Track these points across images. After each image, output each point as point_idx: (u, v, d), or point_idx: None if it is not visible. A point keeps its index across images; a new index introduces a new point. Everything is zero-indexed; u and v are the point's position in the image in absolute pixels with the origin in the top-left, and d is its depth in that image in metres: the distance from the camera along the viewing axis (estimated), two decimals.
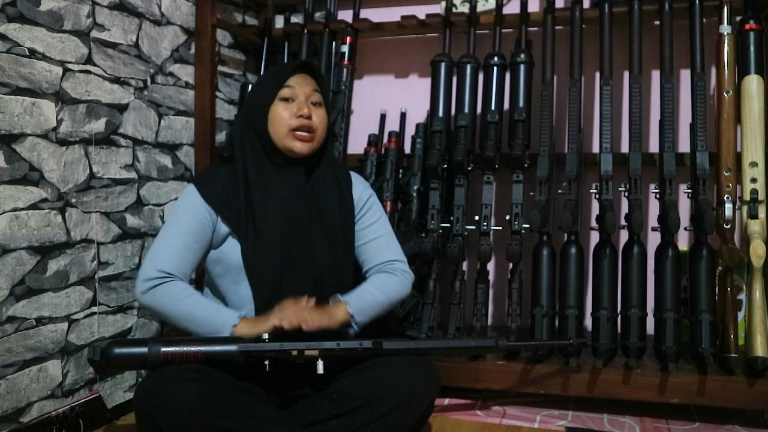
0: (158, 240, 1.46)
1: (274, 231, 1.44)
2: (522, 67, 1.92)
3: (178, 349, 1.33)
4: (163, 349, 1.33)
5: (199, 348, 1.34)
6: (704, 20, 1.79)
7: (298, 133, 1.46)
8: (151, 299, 1.41)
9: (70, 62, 1.54)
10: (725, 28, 1.74)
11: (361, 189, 1.60)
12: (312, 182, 1.52)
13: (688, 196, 1.76)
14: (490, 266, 2.02)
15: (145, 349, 1.33)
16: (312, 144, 1.48)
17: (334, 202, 1.52)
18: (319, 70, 1.56)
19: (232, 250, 1.46)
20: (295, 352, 1.35)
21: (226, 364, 1.34)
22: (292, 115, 1.46)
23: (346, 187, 1.57)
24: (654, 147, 1.92)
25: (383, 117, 2.15)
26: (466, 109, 1.97)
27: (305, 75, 1.51)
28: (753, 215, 1.65)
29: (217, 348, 1.35)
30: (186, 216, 1.46)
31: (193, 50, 1.98)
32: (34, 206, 1.46)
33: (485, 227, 1.84)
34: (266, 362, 1.35)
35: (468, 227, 1.88)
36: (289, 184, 1.48)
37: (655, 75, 1.99)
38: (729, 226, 1.67)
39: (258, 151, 1.49)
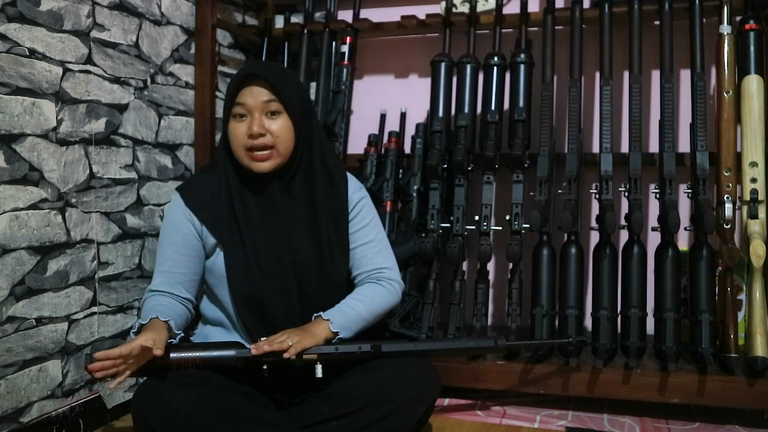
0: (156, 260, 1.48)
1: (253, 244, 1.41)
2: (522, 67, 1.92)
3: (176, 355, 1.32)
4: None
5: (197, 354, 1.34)
6: (704, 20, 1.80)
7: (254, 153, 1.38)
8: None
9: (70, 62, 1.54)
10: (725, 28, 1.74)
11: (351, 191, 1.52)
12: (292, 192, 1.44)
13: (688, 196, 1.76)
14: (490, 266, 2.02)
15: None
16: (273, 160, 1.39)
17: (319, 211, 1.45)
18: (274, 75, 1.39)
19: (221, 262, 1.44)
20: (294, 357, 1.35)
21: (224, 369, 1.34)
22: (245, 133, 1.38)
23: (339, 193, 1.49)
24: (654, 147, 1.92)
25: (383, 117, 2.15)
26: (466, 109, 1.97)
27: (258, 85, 1.38)
28: (753, 215, 1.65)
29: (215, 353, 1.34)
30: (169, 231, 1.46)
31: (193, 50, 1.98)
32: (34, 206, 1.46)
33: (485, 227, 1.84)
34: (264, 367, 1.35)
35: (468, 227, 1.88)
36: (263, 199, 1.43)
37: (655, 75, 1.99)
38: (729, 226, 1.67)
39: (230, 165, 1.44)
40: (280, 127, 1.39)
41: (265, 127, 1.38)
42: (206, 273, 1.48)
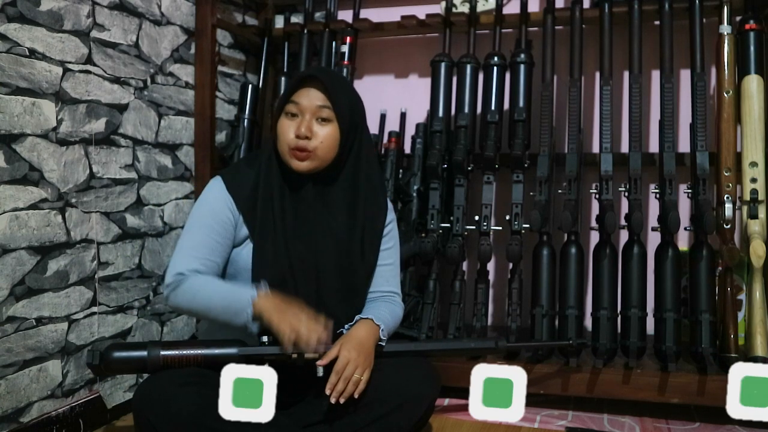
0: (180, 242, 1.43)
1: (279, 241, 1.41)
2: (522, 67, 1.92)
3: (177, 352, 1.33)
4: (163, 352, 1.32)
5: (199, 351, 1.34)
6: (704, 20, 1.80)
7: (295, 151, 1.41)
8: (173, 302, 1.40)
9: (70, 62, 1.54)
10: (725, 28, 1.74)
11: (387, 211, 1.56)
12: (327, 198, 1.46)
13: (688, 196, 1.76)
14: (490, 266, 2.02)
15: (144, 353, 1.32)
16: (311, 162, 1.41)
17: (356, 221, 1.47)
18: (332, 83, 1.43)
19: (247, 253, 1.43)
20: (295, 355, 1.35)
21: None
22: (292, 131, 1.40)
23: (380, 209, 1.51)
24: (654, 147, 1.92)
25: (383, 117, 2.15)
26: (466, 109, 1.97)
27: (316, 89, 1.41)
28: (753, 215, 1.65)
29: (217, 351, 1.34)
30: (207, 216, 1.43)
31: (193, 50, 1.97)
32: (34, 206, 1.46)
33: (485, 227, 1.84)
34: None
35: (468, 227, 1.88)
36: (297, 199, 1.45)
37: (655, 75, 1.99)
38: (729, 226, 1.67)
39: (275, 161, 1.46)
40: (326, 135, 1.41)
41: (312, 131, 1.40)
42: (227, 264, 1.46)
